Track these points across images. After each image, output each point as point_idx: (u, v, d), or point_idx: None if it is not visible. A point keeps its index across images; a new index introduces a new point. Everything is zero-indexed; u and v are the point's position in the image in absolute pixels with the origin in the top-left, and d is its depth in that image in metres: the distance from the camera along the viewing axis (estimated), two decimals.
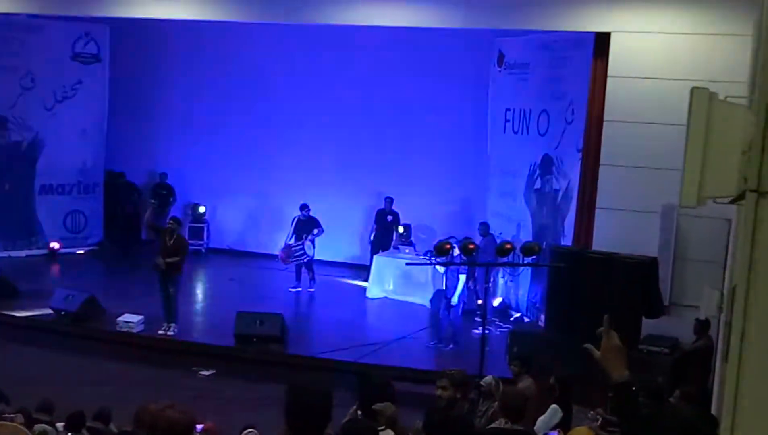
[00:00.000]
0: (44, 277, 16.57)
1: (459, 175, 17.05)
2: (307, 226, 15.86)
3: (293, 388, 3.77)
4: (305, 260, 15.85)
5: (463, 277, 13.37)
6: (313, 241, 15.78)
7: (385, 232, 16.89)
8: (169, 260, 13.05)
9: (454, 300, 13.31)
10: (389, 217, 16.91)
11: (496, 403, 7.08)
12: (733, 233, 9.54)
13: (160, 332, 13.18)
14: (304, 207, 15.93)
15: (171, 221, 13.66)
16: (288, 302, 15.35)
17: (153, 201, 14.86)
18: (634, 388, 3.37)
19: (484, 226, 15.01)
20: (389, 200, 16.93)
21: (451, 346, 13.22)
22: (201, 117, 18.67)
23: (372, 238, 17.05)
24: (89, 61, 18.20)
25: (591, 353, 3.44)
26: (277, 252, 16.43)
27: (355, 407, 5.29)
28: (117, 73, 18.42)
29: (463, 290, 13.52)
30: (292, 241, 15.88)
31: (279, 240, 16.74)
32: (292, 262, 15.87)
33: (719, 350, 8.94)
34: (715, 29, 11.74)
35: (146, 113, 19.09)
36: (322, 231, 15.92)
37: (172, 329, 13.22)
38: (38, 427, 7.19)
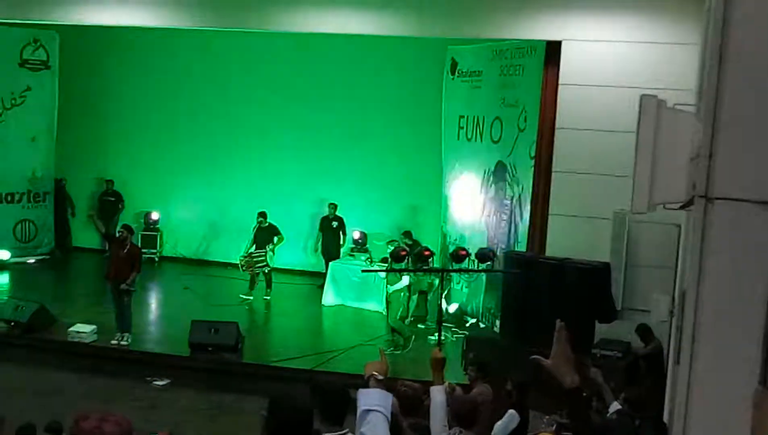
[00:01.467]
0: None
1: (413, 181, 17.09)
2: (267, 233, 15.77)
3: (276, 403, 3.74)
4: (266, 270, 15.78)
5: (405, 279, 13.44)
6: (272, 250, 15.72)
7: (332, 239, 16.88)
8: (126, 283, 12.85)
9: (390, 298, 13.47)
10: (334, 223, 16.89)
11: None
12: (683, 238, 9.69)
13: (113, 342, 13.00)
14: (262, 214, 15.85)
15: (121, 230, 13.43)
16: (243, 311, 15.25)
17: (91, 213, 14.54)
18: (585, 393, 3.39)
19: (408, 235, 15.16)
20: (333, 206, 16.92)
21: (401, 350, 13.26)
22: (152, 123, 18.50)
23: (319, 245, 17.03)
24: (38, 68, 17.92)
25: (540, 362, 3.46)
26: (235, 260, 16.35)
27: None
28: (66, 80, 18.17)
29: (403, 293, 13.62)
30: (253, 248, 15.78)
31: (233, 248, 16.67)
32: (254, 271, 15.76)
33: (671, 354, 9.06)
34: (665, 38, 11.94)
35: (96, 120, 18.87)
36: (282, 238, 15.86)
37: (125, 339, 13.06)
38: None
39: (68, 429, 3.24)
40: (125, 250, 12.99)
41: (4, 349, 12.80)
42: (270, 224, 15.84)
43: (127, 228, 13.50)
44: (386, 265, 14.35)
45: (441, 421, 5.35)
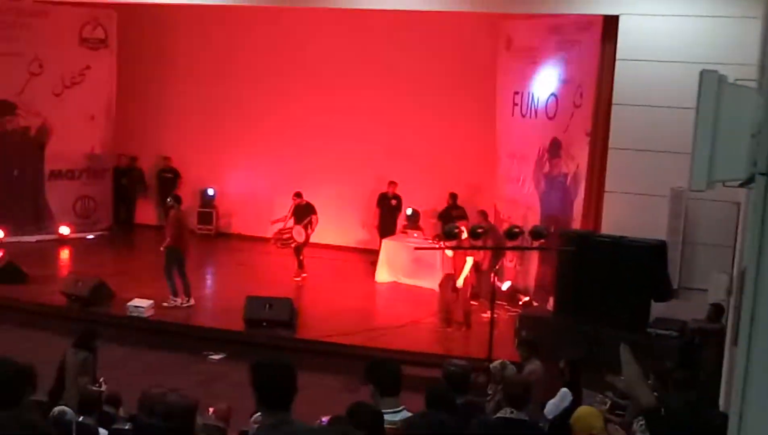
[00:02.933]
0: (54, 262, 16.63)
1: (467, 159, 17.01)
2: (304, 212, 15.81)
3: (259, 366, 3.97)
4: (293, 245, 15.75)
5: (470, 260, 13.35)
6: (306, 228, 15.68)
7: (389, 216, 16.90)
8: (163, 247, 13.73)
9: (459, 282, 13.30)
10: (392, 201, 16.90)
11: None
12: (743, 217, 9.51)
13: (165, 304, 13.56)
14: (297, 195, 15.88)
15: (168, 200, 14.13)
16: (297, 287, 15.38)
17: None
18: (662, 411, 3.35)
19: (483, 214, 14.99)
20: (392, 184, 16.91)
21: (462, 329, 13.25)
22: (209, 101, 18.64)
23: (377, 222, 17.07)
24: (96, 46, 18.19)
25: (615, 384, 3.45)
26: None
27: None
28: (124, 59, 18.42)
29: (472, 273, 13.50)
30: (289, 224, 15.84)
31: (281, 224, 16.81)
32: (282, 246, 15.80)
33: (728, 334, 8.93)
34: (725, 11, 11.67)
35: (154, 98, 19.11)
36: (317, 218, 15.78)
37: (179, 302, 13.66)
38: (57, 408, 7.24)
39: (129, 400, 3.33)
40: (166, 220, 13.84)
41: (65, 323, 13.10)
42: (307, 203, 15.85)
43: (173, 197, 14.21)
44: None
45: None
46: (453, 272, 13.49)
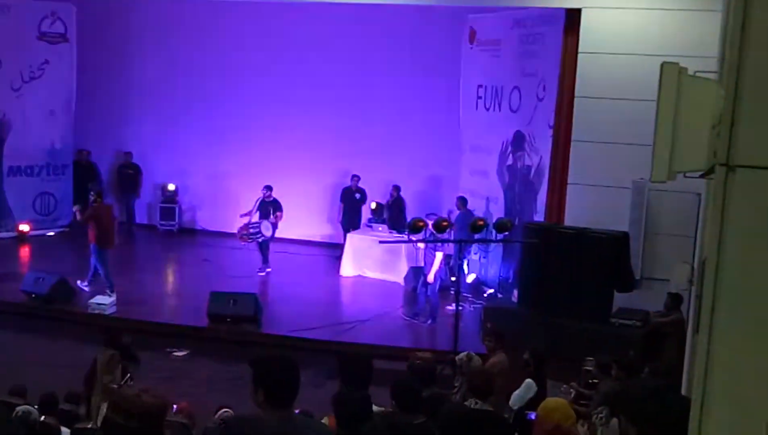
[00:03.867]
0: (13, 260, 16.39)
1: (431, 152, 17.04)
2: (269, 207, 15.75)
3: (269, 361, 3.97)
4: (260, 240, 15.65)
5: (440, 255, 13.36)
6: (273, 224, 15.62)
7: (352, 211, 16.89)
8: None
9: (431, 277, 13.32)
10: (357, 195, 16.89)
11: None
12: (703, 207, 9.62)
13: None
14: (268, 188, 15.81)
15: (91, 194, 14.15)
16: (261, 282, 15.31)
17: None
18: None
19: (462, 200, 15.05)
20: (356, 178, 16.90)
21: (429, 321, 13.27)
22: (170, 96, 18.50)
23: (341, 217, 17.06)
24: (56, 41, 17.93)
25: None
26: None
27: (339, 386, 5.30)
28: (84, 53, 18.19)
29: (440, 267, 13.52)
30: (255, 219, 15.74)
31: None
32: (248, 240, 15.70)
33: (690, 323, 9.04)
34: (686, 5, 11.81)
35: (114, 93, 18.89)
36: (281, 214, 15.70)
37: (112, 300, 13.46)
38: (21, 408, 7.14)
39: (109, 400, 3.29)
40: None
41: (25, 321, 12.94)
42: (274, 198, 15.78)
43: (95, 191, 14.21)
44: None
45: None
46: (422, 265, 13.50)
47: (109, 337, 9.30)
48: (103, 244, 13.70)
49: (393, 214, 16.49)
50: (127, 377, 8.86)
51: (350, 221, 16.78)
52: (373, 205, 16.96)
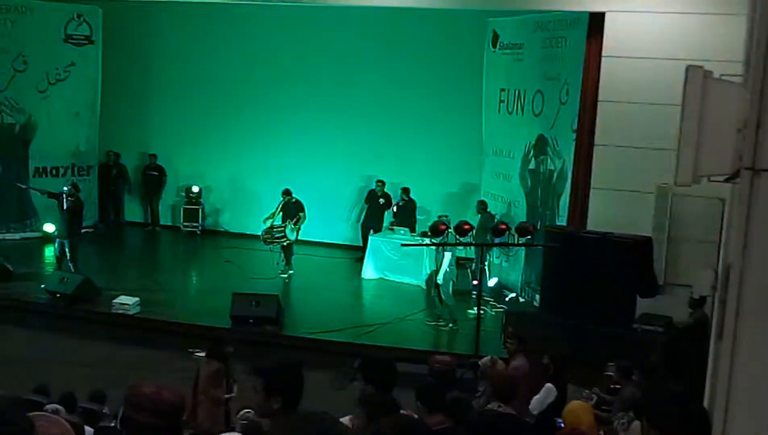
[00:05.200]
0: (38, 259, 16.53)
1: (453, 156, 17.02)
2: (292, 209, 15.78)
3: (284, 369, 4.02)
4: (285, 243, 15.72)
5: (448, 255, 13.28)
6: (296, 225, 15.69)
7: (376, 214, 16.91)
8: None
9: (440, 279, 13.26)
10: (381, 200, 16.91)
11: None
12: (727, 212, 9.55)
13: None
14: (287, 192, 15.84)
15: (66, 189, 14.60)
16: (283, 284, 15.35)
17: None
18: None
19: (481, 204, 15.04)
20: (381, 183, 16.92)
21: (450, 325, 13.23)
22: (194, 98, 18.57)
23: (362, 216, 17.07)
24: (82, 43, 18.09)
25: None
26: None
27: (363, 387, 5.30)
28: (109, 55, 18.33)
29: (451, 268, 13.44)
30: (279, 222, 15.78)
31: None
32: (272, 242, 15.74)
33: (713, 329, 8.97)
34: (710, 8, 11.71)
35: (139, 95, 19.02)
36: (305, 216, 15.77)
37: None
38: (50, 406, 7.17)
39: (123, 394, 3.30)
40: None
41: (50, 321, 13.04)
42: (297, 200, 15.81)
43: (72, 185, 14.96)
44: (427, 239, 14.31)
45: None
46: (436, 268, 13.49)
47: (214, 349, 8.97)
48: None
49: (403, 217, 16.48)
50: (233, 389, 8.69)
51: (372, 224, 16.79)
52: (395, 209, 16.95)
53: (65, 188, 14.61)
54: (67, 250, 14.39)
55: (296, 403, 3.91)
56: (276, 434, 3.96)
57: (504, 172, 15.56)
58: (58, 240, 14.64)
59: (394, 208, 16.86)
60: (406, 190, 16.63)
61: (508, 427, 5.15)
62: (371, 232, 16.56)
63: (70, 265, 14.36)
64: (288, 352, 11.51)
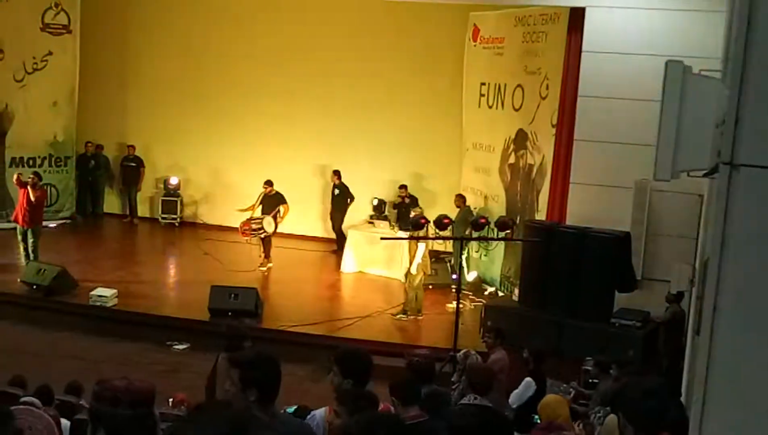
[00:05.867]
0: (15, 251, 16.37)
1: (433, 149, 17.02)
2: (272, 201, 15.74)
3: (260, 361, 4.07)
4: (262, 235, 15.65)
5: (422, 246, 13.26)
6: (275, 218, 15.61)
7: (335, 207, 17.03)
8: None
9: (413, 268, 13.24)
10: (335, 191, 16.95)
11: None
12: (705, 208, 9.61)
13: None
14: (268, 182, 15.78)
15: (32, 177, 14.59)
16: (262, 277, 15.30)
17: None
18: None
19: (460, 198, 15.04)
20: (335, 174, 16.91)
21: (410, 316, 13.22)
22: (173, 89, 18.44)
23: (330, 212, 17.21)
24: (59, 32, 17.92)
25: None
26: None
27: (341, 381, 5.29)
28: (87, 45, 18.18)
29: (424, 260, 13.42)
30: (258, 214, 15.71)
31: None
32: (250, 235, 15.66)
33: (690, 324, 9.04)
34: (690, 5, 11.76)
35: (118, 85, 18.89)
36: (288, 207, 15.70)
37: None
38: (26, 398, 7.11)
39: (92, 389, 3.29)
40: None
41: (27, 312, 12.94)
42: (277, 192, 15.77)
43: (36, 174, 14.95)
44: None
45: None
46: (410, 260, 13.49)
47: (231, 343, 8.95)
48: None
49: (402, 213, 16.47)
50: None
51: (334, 217, 17.03)
52: (375, 202, 16.93)
53: (29, 178, 14.54)
54: (29, 239, 14.40)
55: (273, 395, 3.91)
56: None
57: (484, 166, 15.57)
58: (19, 227, 14.61)
59: (374, 202, 16.85)
60: (404, 187, 16.54)
61: (485, 420, 5.15)
62: (336, 225, 16.77)
63: (31, 254, 14.34)
64: (265, 345, 11.50)
